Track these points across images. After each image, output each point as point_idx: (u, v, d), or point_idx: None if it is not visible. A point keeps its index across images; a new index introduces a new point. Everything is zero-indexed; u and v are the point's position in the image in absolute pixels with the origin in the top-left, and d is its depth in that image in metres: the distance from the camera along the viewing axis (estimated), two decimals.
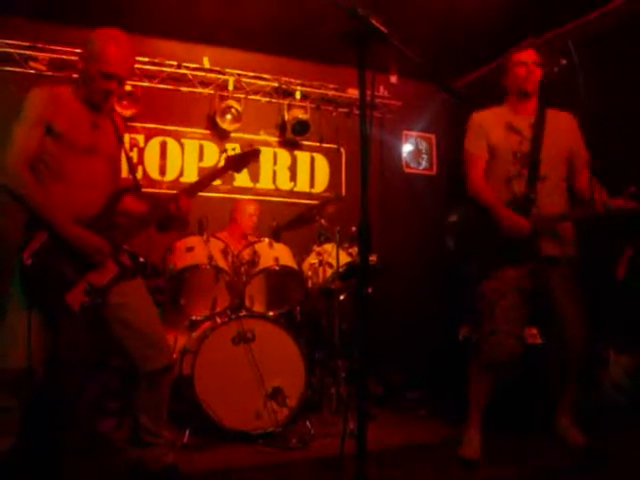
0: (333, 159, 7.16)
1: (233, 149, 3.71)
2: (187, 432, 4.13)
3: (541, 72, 3.84)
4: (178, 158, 6.50)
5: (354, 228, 5.02)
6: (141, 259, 4.59)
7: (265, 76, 6.77)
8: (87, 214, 3.15)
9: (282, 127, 6.88)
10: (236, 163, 3.66)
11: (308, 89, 6.91)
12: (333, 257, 4.95)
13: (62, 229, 3.02)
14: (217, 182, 6.50)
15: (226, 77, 6.57)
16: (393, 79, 7.06)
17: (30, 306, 2.96)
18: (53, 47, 5.84)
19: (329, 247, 5.09)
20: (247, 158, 3.68)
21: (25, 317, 2.93)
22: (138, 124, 6.32)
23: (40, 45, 5.83)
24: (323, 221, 5.18)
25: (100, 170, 3.27)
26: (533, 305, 3.77)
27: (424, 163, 7.72)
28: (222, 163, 3.69)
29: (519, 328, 3.79)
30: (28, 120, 3.08)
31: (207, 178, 3.54)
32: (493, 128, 3.94)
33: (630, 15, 5.20)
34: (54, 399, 3.48)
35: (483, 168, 3.94)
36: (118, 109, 6.06)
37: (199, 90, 6.56)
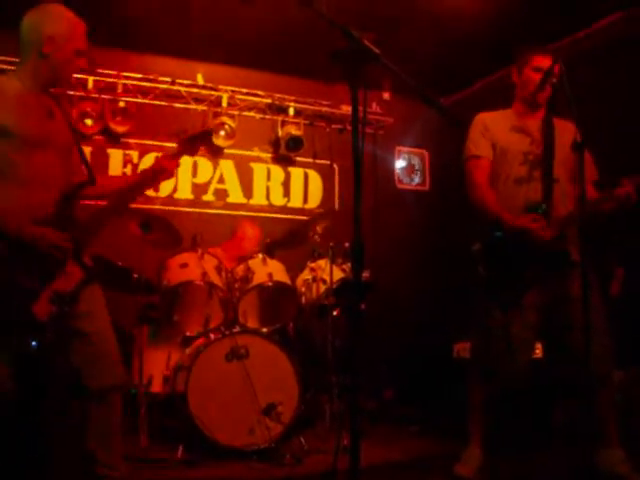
0: (326, 175, 7.18)
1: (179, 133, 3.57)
2: (180, 448, 4.12)
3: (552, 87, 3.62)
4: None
5: (347, 244, 5.04)
6: (135, 275, 4.60)
7: (259, 92, 6.80)
8: (45, 216, 2.85)
9: (276, 143, 6.91)
10: (189, 145, 3.29)
11: (301, 105, 6.95)
12: (327, 273, 4.96)
13: (14, 231, 2.72)
14: (210, 198, 6.53)
15: (220, 93, 6.60)
16: (386, 96, 7.12)
17: None
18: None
19: (322, 263, 5.10)
20: (199, 139, 3.34)
21: None
22: (132, 140, 6.34)
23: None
24: (316, 237, 5.19)
25: (54, 164, 2.94)
26: (548, 318, 3.61)
27: (417, 179, 7.76)
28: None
29: (532, 347, 3.74)
30: None
31: (163, 160, 3.24)
32: (500, 128, 3.79)
33: (621, 33, 5.26)
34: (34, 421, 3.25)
35: (488, 172, 3.77)
36: (112, 125, 6.08)
37: (193, 106, 6.58)
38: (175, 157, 3.24)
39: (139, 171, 3.27)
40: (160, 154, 3.41)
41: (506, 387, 3.62)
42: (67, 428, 3.23)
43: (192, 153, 3.42)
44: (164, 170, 3.15)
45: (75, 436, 3.06)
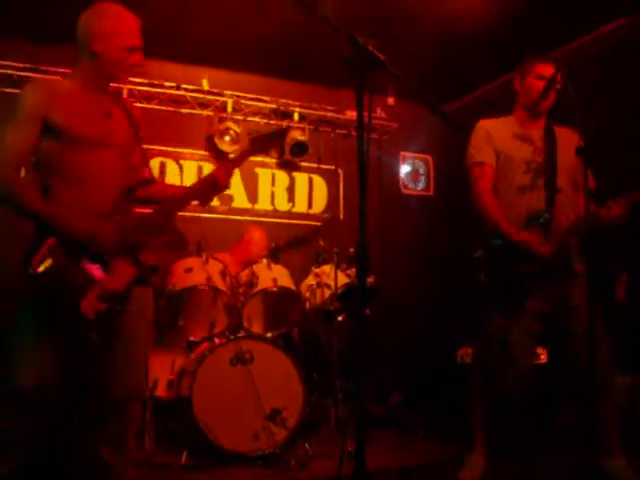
0: (331, 180, 7.18)
1: (251, 134, 3.42)
2: (185, 453, 4.12)
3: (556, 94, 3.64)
4: (177, 179, 6.51)
5: (352, 249, 5.04)
6: None
7: (264, 98, 6.80)
8: (101, 214, 2.76)
9: (281, 148, 6.91)
10: (262, 144, 3.25)
11: (306, 111, 6.95)
12: (331, 278, 4.97)
13: (66, 224, 2.64)
14: (215, 203, 6.53)
15: (225, 99, 6.61)
16: (390, 101, 7.11)
17: (38, 319, 2.66)
18: (52, 69, 5.86)
19: (327, 268, 5.11)
20: (273, 138, 3.29)
21: (33, 331, 2.67)
22: None
23: (40, 67, 5.84)
24: (321, 242, 5.20)
25: (112, 165, 2.86)
26: (549, 326, 3.62)
27: (421, 184, 7.76)
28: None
29: (533, 354, 3.74)
30: (20, 117, 2.71)
31: (240, 157, 3.22)
32: (502, 135, 3.77)
33: (625, 38, 5.27)
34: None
35: (492, 179, 3.74)
36: None
37: (198, 112, 6.59)
38: (235, 162, 3.20)
39: (195, 181, 3.20)
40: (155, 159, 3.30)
41: (507, 393, 3.62)
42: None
43: (265, 151, 3.36)
44: (216, 183, 3.05)
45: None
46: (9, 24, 5.46)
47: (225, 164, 3.10)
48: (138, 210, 3.06)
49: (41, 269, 2.60)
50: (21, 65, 5.85)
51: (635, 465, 3.49)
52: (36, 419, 2.68)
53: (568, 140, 3.64)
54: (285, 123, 6.88)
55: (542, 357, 4.69)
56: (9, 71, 5.82)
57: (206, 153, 6.68)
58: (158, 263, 2.93)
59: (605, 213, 3.42)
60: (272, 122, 6.90)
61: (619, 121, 5.12)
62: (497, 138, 3.77)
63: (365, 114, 2.03)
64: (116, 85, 5.89)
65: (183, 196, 3.05)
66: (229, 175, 3.06)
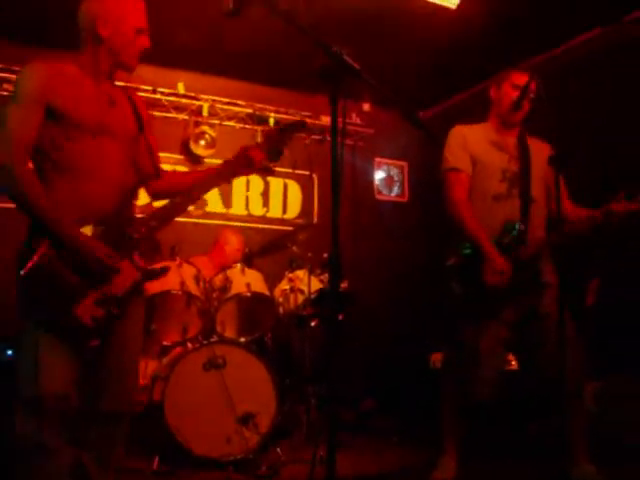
0: (306, 185, 7.19)
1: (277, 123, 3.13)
2: (157, 458, 4.10)
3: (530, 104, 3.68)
4: None
5: (326, 255, 5.05)
6: None
7: (239, 102, 6.81)
8: (101, 210, 2.59)
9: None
10: (284, 134, 3.02)
11: (282, 116, 6.96)
12: (305, 283, 4.98)
13: (64, 236, 2.47)
14: (190, 207, 6.48)
15: (201, 103, 6.61)
16: (366, 107, 7.16)
17: (36, 323, 2.48)
18: None
19: (301, 273, 5.12)
20: (294, 128, 3.03)
21: (34, 336, 2.48)
22: None
23: (15, 67, 5.78)
24: (295, 248, 5.20)
25: (114, 155, 2.69)
26: (519, 334, 3.64)
27: (396, 190, 7.80)
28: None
29: (502, 362, 3.76)
30: (23, 99, 2.51)
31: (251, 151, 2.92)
32: (478, 142, 3.76)
33: (597, 49, 5.35)
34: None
35: (467, 186, 3.71)
36: None
37: (173, 115, 6.58)
38: (262, 147, 2.94)
39: (219, 164, 2.99)
40: None
41: (476, 399, 3.63)
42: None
43: (283, 144, 3.02)
44: (250, 161, 2.88)
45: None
46: None
47: (255, 147, 2.92)
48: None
49: (30, 271, 2.45)
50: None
51: (604, 471, 3.52)
52: (55, 425, 2.50)
53: (541, 151, 3.70)
54: (261, 128, 6.89)
55: (513, 363, 4.73)
56: None
57: (181, 157, 6.66)
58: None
59: (616, 207, 3.43)
60: (248, 126, 6.90)
61: (593, 130, 5.18)
62: (473, 144, 3.76)
63: (340, 120, 2.03)
64: None
65: (209, 179, 2.92)
66: (260, 157, 2.91)
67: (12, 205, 2.49)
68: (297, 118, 3.03)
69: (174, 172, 3.37)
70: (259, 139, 6.83)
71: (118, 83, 2.88)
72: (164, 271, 2.87)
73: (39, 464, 2.48)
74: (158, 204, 2.93)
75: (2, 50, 5.86)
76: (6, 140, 2.46)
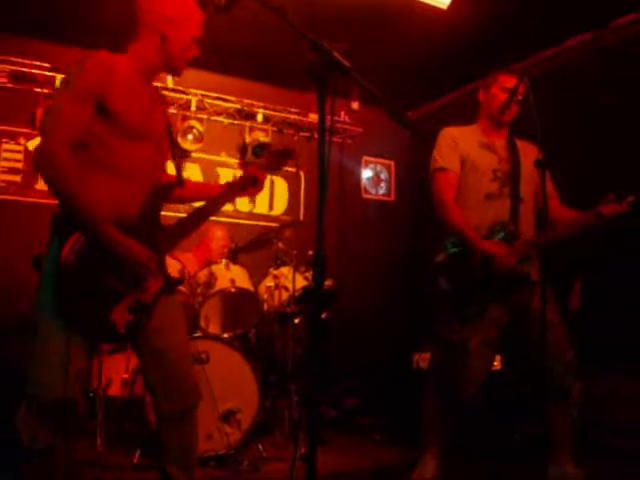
0: (292, 182, 7.19)
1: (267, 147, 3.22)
2: (138, 453, 4.09)
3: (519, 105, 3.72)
4: None
5: (311, 252, 5.05)
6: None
7: (228, 97, 6.79)
8: (130, 213, 2.58)
9: (243, 149, 6.89)
10: (278, 159, 3.12)
11: (270, 112, 6.95)
12: (289, 280, 4.97)
13: (104, 234, 2.43)
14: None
15: (189, 97, 6.58)
16: (355, 105, 7.14)
17: (67, 323, 2.41)
18: (14, 59, 5.80)
19: (286, 270, 5.11)
20: (286, 156, 3.13)
21: (60, 338, 2.41)
22: None
23: (1, 57, 5.78)
24: (280, 244, 5.20)
25: (151, 159, 2.69)
26: (508, 335, 3.64)
27: (383, 189, 7.81)
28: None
29: (490, 363, 3.75)
30: (77, 91, 2.45)
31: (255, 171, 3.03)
32: (468, 143, 3.79)
33: (582, 53, 5.38)
34: None
35: (455, 185, 3.75)
36: None
37: None
38: (263, 169, 3.05)
39: (226, 181, 3.03)
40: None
41: (462, 400, 3.63)
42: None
43: (277, 168, 3.18)
44: (255, 180, 2.97)
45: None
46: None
47: (256, 168, 3.02)
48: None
49: (75, 262, 2.38)
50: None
51: (585, 472, 3.55)
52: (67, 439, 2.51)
53: (528, 152, 3.73)
54: (248, 124, 6.87)
55: (495, 364, 4.74)
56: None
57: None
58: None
59: (605, 209, 3.46)
60: (236, 122, 6.89)
61: (581, 132, 5.21)
62: (463, 145, 3.79)
63: (328, 117, 2.02)
64: None
65: (221, 197, 2.93)
66: (264, 178, 3.03)
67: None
68: (292, 148, 3.09)
69: (191, 181, 3.38)
70: (247, 136, 6.83)
71: None
72: (180, 282, 2.96)
73: (36, 462, 2.46)
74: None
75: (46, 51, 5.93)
76: (54, 133, 2.41)
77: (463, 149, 3.78)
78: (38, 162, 2.44)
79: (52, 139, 2.40)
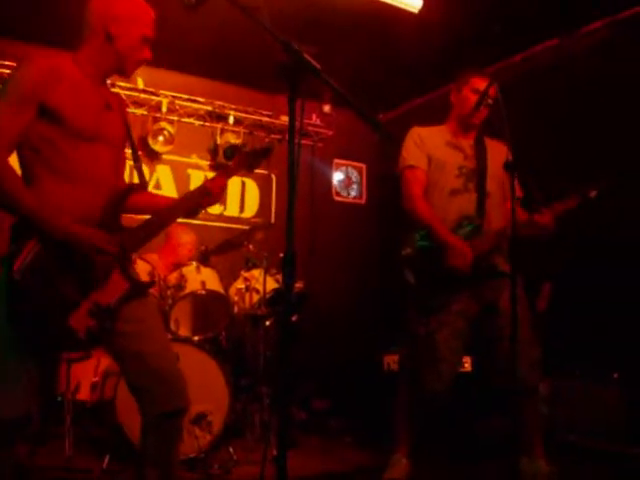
0: (264, 185, 7.18)
1: (243, 146, 3.14)
2: (107, 457, 4.05)
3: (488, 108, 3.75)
4: None
5: (282, 254, 5.04)
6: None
7: (199, 99, 6.78)
8: (91, 217, 2.51)
9: (214, 151, 6.87)
10: (250, 160, 3.01)
11: (242, 114, 6.94)
12: (260, 283, 4.96)
13: (55, 228, 2.37)
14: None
15: (160, 99, 6.55)
16: (326, 108, 7.16)
17: (22, 335, 2.36)
18: None
19: (256, 273, 5.10)
20: (261, 155, 3.03)
21: (16, 354, 2.38)
22: None
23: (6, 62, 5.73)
24: (251, 247, 5.19)
25: (106, 162, 2.62)
26: (477, 329, 3.68)
27: (354, 192, 7.83)
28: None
29: (459, 357, 3.80)
30: (14, 95, 2.39)
31: (231, 171, 2.99)
32: (434, 142, 3.86)
33: (551, 59, 5.45)
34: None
35: (424, 183, 3.80)
36: None
37: (132, 111, 6.49)
38: (228, 173, 2.94)
39: (184, 193, 2.98)
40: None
41: (431, 396, 3.65)
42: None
43: (250, 170, 3.07)
44: (208, 193, 2.85)
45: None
46: None
47: (217, 176, 2.93)
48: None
49: (24, 277, 2.32)
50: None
51: (555, 469, 3.59)
52: (11, 444, 2.46)
53: (497, 151, 3.78)
54: (220, 126, 6.85)
55: (466, 365, 4.77)
56: None
57: (139, 153, 6.57)
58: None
59: (539, 219, 3.53)
60: (207, 124, 6.87)
61: (548, 135, 5.27)
62: (430, 144, 3.85)
63: (298, 120, 2.02)
64: None
65: (175, 207, 2.86)
66: (223, 188, 2.92)
67: None
68: (267, 143, 2.98)
69: (148, 192, 3.30)
70: (218, 138, 6.81)
71: None
72: (152, 284, 2.87)
73: None
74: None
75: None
76: None
77: (430, 147, 3.84)
78: None
79: None
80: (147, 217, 2.81)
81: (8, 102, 2.39)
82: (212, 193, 2.86)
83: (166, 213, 2.83)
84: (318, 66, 1.97)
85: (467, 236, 3.63)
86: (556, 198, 3.58)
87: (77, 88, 2.52)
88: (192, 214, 2.95)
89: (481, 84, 3.74)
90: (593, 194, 3.53)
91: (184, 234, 5.62)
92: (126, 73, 2.73)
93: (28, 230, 2.37)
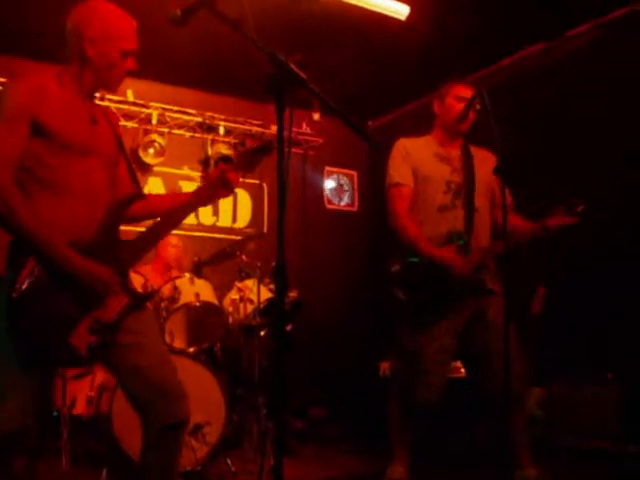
0: (256, 195, 7.18)
1: (242, 144, 3.02)
2: (104, 472, 4.03)
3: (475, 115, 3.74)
4: None
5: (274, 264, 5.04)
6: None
7: (189, 111, 6.78)
8: (87, 233, 2.51)
9: (205, 162, 6.87)
10: (249, 159, 2.91)
11: (232, 125, 6.96)
12: (254, 293, 4.95)
13: (59, 258, 2.38)
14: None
15: (150, 111, 6.56)
16: (316, 116, 7.15)
17: (22, 354, 2.36)
18: None
19: (250, 283, 5.10)
20: (261, 153, 2.91)
21: (15, 369, 2.37)
22: None
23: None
24: (244, 257, 5.19)
25: (99, 176, 2.62)
26: (464, 341, 3.68)
27: (346, 199, 7.84)
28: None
29: (448, 368, 3.78)
30: (7, 116, 2.42)
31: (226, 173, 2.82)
32: (421, 155, 3.81)
33: (538, 63, 5.48)
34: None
35: (409, 199, 3.77)
36: None
37: (122, 123, 6.47)
38: (236, 167, 2.85)
39: (198, 187, 2.92)
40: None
41: (423, 405, 3.65)
42: None
43: (250, 169, 2.95)
44: (227, 183, 2.79)
45: None
46: None
47: (226, 170, 2.81)
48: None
49: (22, 296, 2.33)
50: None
51: (547, 475, 3.60)
52: (7, 459, 2.45)
53: (485, 160, 3.78)
54: (210, 136, 6.86)
55: (461, 370, 4.78)
56: None
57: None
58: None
59: (551, 222, 3.51)
60: (197, 135, 6.88)
61: (536, 141, 5.28)
62: (416, 157, 3.82)
63: (286, 129, 2.02)
64: None
65: (188, 204, 2.79)
66: (237, 179, 2.83)
67: None
68: (267, 140, 2.87)
69: (153, 195, 3.27)
70: (209, 149, 6.81)
71: None
72: (152, 295, 2.82)
73: None
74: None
75: None
76: None
77: (415, 161, 3.81)
78: None
79: None
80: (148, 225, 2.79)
81: (3, 121, 2.42)
82: (232, 184, 2.81)
83: (169, 217, 2.77)
84: (304, 76, 1.98)
85: (457, 250, 3.63)
86: (543, 212, 3.59)
87: (63, 104, 2.54)
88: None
89: (464, 91, 3.75)
90: (580, 209, 3.53)
91: (171, 247, 5.63)
92: (111, 88, 2.75)
93: (26, 250, 2.38)
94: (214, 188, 2.81)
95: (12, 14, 5.28)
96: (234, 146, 6.71)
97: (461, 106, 3.70)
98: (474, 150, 3.90)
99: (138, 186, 2.88)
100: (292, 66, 1.97)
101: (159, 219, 2.78)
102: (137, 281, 4.50)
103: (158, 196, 3.09)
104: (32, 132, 2.44)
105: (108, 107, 2.94)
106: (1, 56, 5.84)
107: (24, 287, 2.34)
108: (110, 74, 2.63)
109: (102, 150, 2.65)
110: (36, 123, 2.43)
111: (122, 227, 2.73)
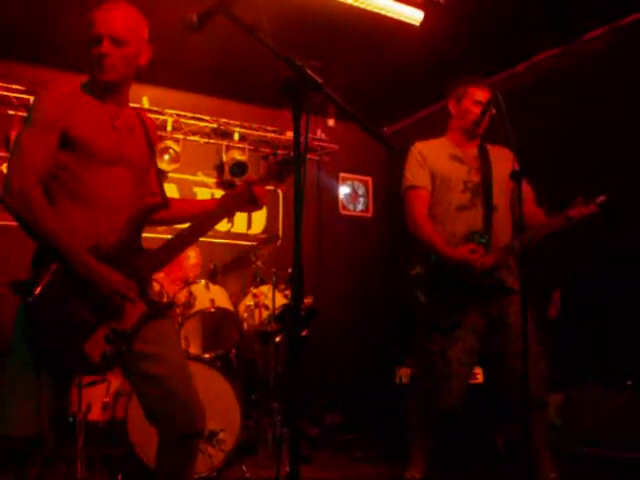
0: (270, 201, 7.17)
1: (275, 155, 3.03)
2: (119, 478, 4.03)
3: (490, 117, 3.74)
4: None
5: (290, 270, 5.04)
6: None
7: (204, 117, 6.79)
8: (107, 241, 2.52)
9: (220, 168, 6.88)
10: (281, 170, 2.89)
11: (247, 131, 6.96)
12: (269, 299, 4.96)
13: (77, 263, 2.39)
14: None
15: (165, 117, 6.57)
16: (331, 122, 7.16)
17: (37, 359, 2.36)
18: None
19: (265, 289, 5.10)
20: (289, 164, 2.87)
21: (31, 373, 2.36)
22: None
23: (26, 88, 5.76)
24: (259, 263, 5.19)
25: (126, 185, 2.63)
26: (484, 343, 3.68)
27: (360, 205, 7.83)
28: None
29: (470, 371, 3.78)
30: (38, 125, 2.44)
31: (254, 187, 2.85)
32: (438, 157, 3.84)
33: (554, 67, 5.45)
34: None
35: (427, 203, 3.80)
36: None
37: None
38: (262, 183, 2.86)
39: (220, 196, 2.92)
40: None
41: (445, 412, 3.64)
42: None
43: (281, 180, 2.91)
44: (253, 198, 2.81)
45: None
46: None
47: (253, 185, 2.85)
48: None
49: (39, 299, 2.35)
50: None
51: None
52: (22, 465, 2.43)
53: (502, 158, 3.78)
54: (225, 142, 6.87)
55: (479, 377, 4.75)
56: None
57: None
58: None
59: (573, 213, 3.50)
60: (212, 141, 6.89)
61: (553, 144, 5.26)
62: (432, 160, 3.84)
63: (302, 135, 2.02)
64: None
65: (214, 214, 2.81)
66: (265, 194, 2.85)
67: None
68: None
69: (179, 200, 3.24)
70: (224, 155, 6.82)
71: None
72: (171, 306, 2.80)
73: None
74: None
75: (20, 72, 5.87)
76: (20, 167, 2.39)
77: (432, 163, 3.83)
78: (9, 202, 2.37)
79: (21, 178, 2.37)
80: (169, 237, 2.77)
81: (34, 129, 2.44)
82: (259, 202, 2.84)
83: (195, 227, 2.79)
84: (321, 81, 1.97)
85: (479, 248, 3.61)
86: (564, 205, 3.57)
87: (93, 113, 2.56)
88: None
89: (482, 95, 3.77)
90: (601, 199, 3.51)
91: (190, 250, 5.63)
92: (99, 81, 2.62)
93: (49, 256, 2.40)
94: (239, 203, 2.83)
95: (38, 24, 5.33)
96: (265, 157, 6.70)
97: (478, 110, 3.73)
98: (491, 148, 3.90)
99: (164, 196, 2.86)
100: (309, 71, 1.96)
101: (183, 231, 2.76)
102: (153, 288, 4.52)
103: (177, 201, 3.08)
104: (60, 143, 2.45)
105: (143, 114, 2.91)
106: (26, 66, 5.91)
107: (41, 291, 2.35)
108: (92, 67, 2.58)
109: (132, 159, 2.66)
110: (65, 134, 2.45)
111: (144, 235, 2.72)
